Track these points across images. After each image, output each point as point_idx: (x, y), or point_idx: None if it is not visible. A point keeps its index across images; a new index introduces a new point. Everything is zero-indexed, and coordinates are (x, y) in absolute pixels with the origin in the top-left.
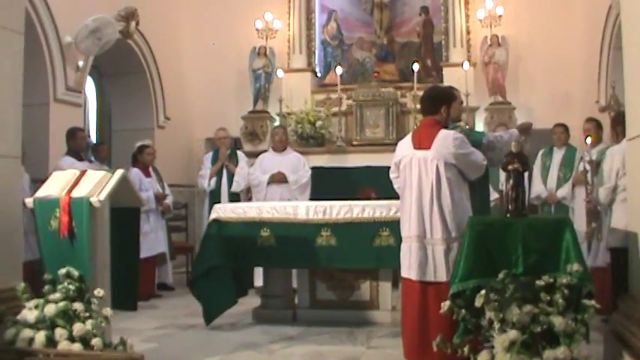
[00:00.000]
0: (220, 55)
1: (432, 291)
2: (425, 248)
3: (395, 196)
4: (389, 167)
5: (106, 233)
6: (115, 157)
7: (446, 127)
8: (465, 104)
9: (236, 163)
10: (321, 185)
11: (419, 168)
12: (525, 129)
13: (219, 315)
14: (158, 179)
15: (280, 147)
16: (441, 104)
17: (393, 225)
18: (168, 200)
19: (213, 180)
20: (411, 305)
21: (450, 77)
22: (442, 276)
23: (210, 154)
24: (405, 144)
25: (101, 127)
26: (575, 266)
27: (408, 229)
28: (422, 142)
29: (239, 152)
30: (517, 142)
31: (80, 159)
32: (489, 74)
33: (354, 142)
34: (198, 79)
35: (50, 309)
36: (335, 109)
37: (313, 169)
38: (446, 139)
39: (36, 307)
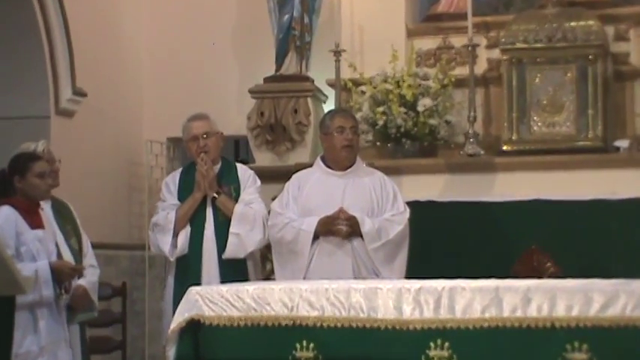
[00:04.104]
0: None
1: None
2: None
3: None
4: (592, 202)
5: None
6: None
7: None
8: None
9: (235, 194)
10: (431, 242)
11: None
12: None
13: None
14: (65, 232)
15: (344, 158)
16: None
17: (598, 336)
18: (86, 282)
19: (185, 234)
20: None
21: None
22: None
23: (177, 174)
24: None
25: None
26: None
27: None
28: None
29: (241, 168)
30: None
31: None
32: None
33: (506, 147)
34: (149, 5)
35: None
36: (461, 72)
37: (413, 205)
38: None
39: None
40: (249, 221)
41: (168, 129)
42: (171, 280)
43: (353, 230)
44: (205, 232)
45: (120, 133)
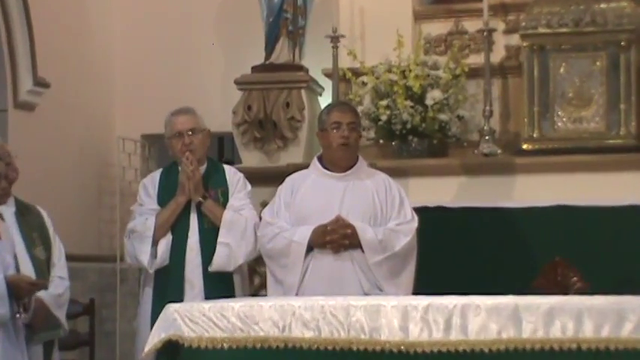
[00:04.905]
0: None
1: None
2: None
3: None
4: (625, 208)
5: None
6: None
7: None
8: None
9: (222, 199)
10: (441, 254)
11: None
12: None
13: None
14: (29, 240)
15: (340, 158)
16: None
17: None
18: (46, 294)
19: (166, 242)
20: None
21: None
22: None
23: (157, 175)
24: None
25: None
26: None
27: None
28: None
29: (229, 170)
30: None
31: None
32: None
33: (527, 146)
34: None
35: None
36: (475, 60)
37: (421, 211)
38: None
39: None
40: (239, 230)
41: (143, 125)
42: (147, 295)
43: (351, 242)
44: (189, 240)
45: (88, 129)
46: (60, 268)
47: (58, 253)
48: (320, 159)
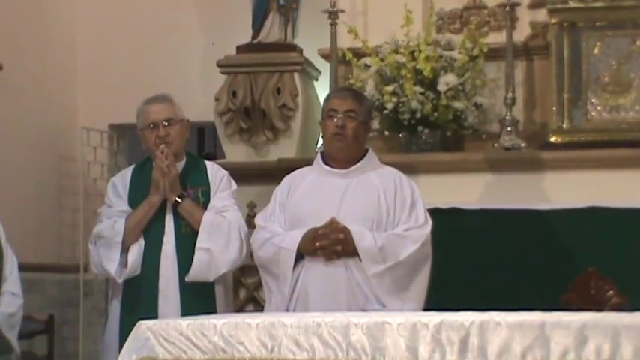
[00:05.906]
0: None
1: None
2: None
3: None
4: None
5: None
6: None
7: None
8: None
9: (203, 199)
10: (455, 262)
11: None
12: None
13: None
14: None
15: (335, 151)
16: None
17: None
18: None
19: (138, 249)
20: None
21: None
22: None
23: (129, 173)
24: None
25: None
26: None
27: None
28: None
29: (212, 166)
30: None
31: None
32: None
33: (555, 139)
34: None
35: None
36: (495, 39)
37: (432, 213)
38: None
39: None
40: (222, 234)
41: (111, 114)
42: (115, 310)
43: (344, 249)
44: (164, 246)
45: (47, 118)
46: (12, 282)
47: (10, 265)
48: (323, 154)
